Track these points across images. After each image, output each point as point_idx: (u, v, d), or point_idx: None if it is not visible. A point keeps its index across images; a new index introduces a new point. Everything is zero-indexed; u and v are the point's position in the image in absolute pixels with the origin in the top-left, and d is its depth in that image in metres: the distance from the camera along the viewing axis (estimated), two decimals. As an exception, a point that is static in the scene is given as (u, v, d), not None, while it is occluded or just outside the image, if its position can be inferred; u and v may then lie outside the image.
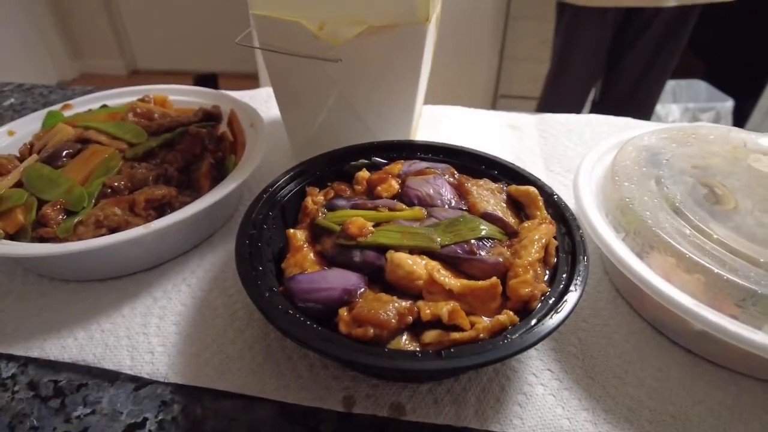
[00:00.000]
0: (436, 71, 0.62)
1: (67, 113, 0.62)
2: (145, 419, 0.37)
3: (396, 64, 0.52)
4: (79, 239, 0.42)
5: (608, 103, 1.54)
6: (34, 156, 0.53)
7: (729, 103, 2.27)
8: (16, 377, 0.40)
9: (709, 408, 0.37)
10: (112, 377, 0.40)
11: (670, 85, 2.41)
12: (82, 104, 0.64)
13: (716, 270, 0.37)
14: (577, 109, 1.56)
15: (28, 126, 0.60)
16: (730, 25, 2.48)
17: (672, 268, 0.39)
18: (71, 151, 0.52)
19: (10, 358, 0.42)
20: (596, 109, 1.60)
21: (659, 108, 2.24)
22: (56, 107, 0.63)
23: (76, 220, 0.44)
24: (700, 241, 0.40)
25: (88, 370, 0.41)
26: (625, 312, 0.45)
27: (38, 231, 0.44)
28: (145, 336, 0.43)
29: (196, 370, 0.40)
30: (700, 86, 2.39)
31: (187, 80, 3.08)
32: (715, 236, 0.39)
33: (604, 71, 1.51)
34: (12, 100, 0.85)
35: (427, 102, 0.79)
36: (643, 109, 1.52)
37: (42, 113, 0.61)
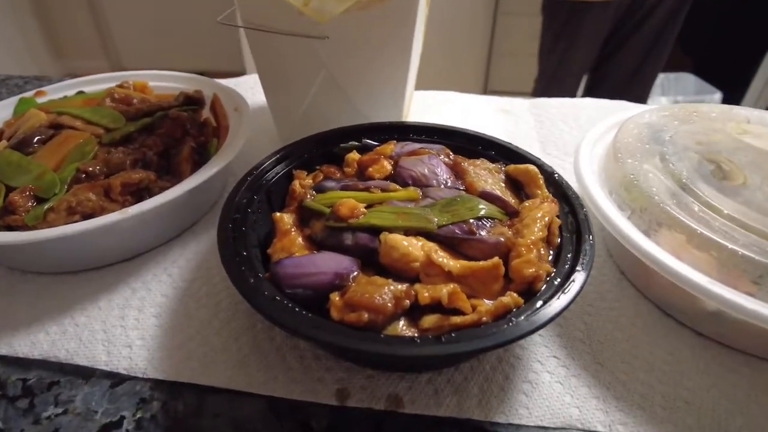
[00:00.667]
0: (426, 67, 0.60)
1: (40, 100, 0.59)
2: (122, 418, 0.34)
3: (386, 41, 0.49)
4: (50, 227, 0.39)
5: (601, 96, 1.53)
6: (3, 143, 0.50)
7: (717, 96, 2.28)
8: (-18, 376, 0.37)
9: (723, 391, 0.35)
10: (86, 374, 0.37)
11: (660, 78, 2.41)
12: (57, 91, 0.61)
13: (730, 246, 0.35)
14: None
15: (-1, 113, 0.56)
16: (717, 18, 2.49)
17: (682, 245, 0.37)
18: (43, 137, 0.49)
19: (-25, 355, 0.39)
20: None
21: (648, 101, 2.25)
22: (28, 94, 0.59)
23: (46, 206, 0.41)
24: (710, 217, 0.37)
25: (60, 367, 0.38)
26: (631, 294, 0.43)
27: (5, 219, 0.41)
28: (123, 329, 0.40)
29: (178, 364, 0.37)
30: (689, 79, 2.40)
31: (167, 71, 3.04)
32: (725, 212, 0.37)
33: (596, 62, 1.50)
34: (-15, 91, 0.81)
35: (417, 91, 0.76)
36: (638, 101, 1.51)
37: (13, 100, 0.58)
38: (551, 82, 1.55)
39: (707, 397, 0.35)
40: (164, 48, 3.57)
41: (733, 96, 2.34)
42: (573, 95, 1.58)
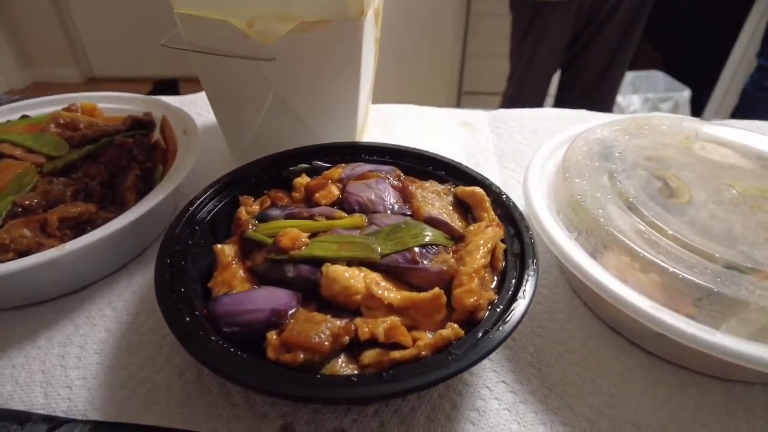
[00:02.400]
0: (399, 70, 0.60)
1: (-17, 125, 0.57)
2: (58, 465, 0.33)
3: (333, 62, 0.49)
4: (-18, 265, 0.38)
5: (572, 94, 1.55)
6: (-62, 174, 0.48)
7: (686, 93, 2.32)
8: None
9: (670, 413, 0.35)
10: (22, 419, 0.36)
11: (630, 76, 2.45)
12: (0, 114, 0.59)
13: (671, 269, 0.35)
14: (539, 103, 1.56)
15: (-64, 141, 0.54)
16: (684, 16, 2.53)
17: (627, 267, 0.37)
18: (-19, 167, 0.48)
19: None
20: (560, 102, 1.61)
21: (620, 99, 2.28)
22: (-30, 119, 0.57)
23: (-22, 244, 0.39)
24: (655, 237, 0.37)
25: (-5, 412, 0.36)
26: (582, 314, 0.42)
27: (-64, 258, 0.39)
28: (63, 369, 0.38)
29: (120, 404, 0.36)
30: (658, 77, 2.44)
31: (146, 86, 2.99)
32: (669, 232, 0.38)
33: (564, 63, 1.51)
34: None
35: (388, 101, 0.76)
36: (607, 99, 1.53)
37: (-48, 126, 0.56)
38: (522, 82, 1.56)
39: (653, 419, 0.35)
40: (136, 54, 3.51)
41: (701, 92, 2.38)
42: (544, 94, 1.59)
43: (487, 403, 0.36)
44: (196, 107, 0.73)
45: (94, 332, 0.41)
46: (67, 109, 0.59)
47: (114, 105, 0.61)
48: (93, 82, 3.59)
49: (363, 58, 0.49)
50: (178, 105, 0.58)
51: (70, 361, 0.39)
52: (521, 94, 1.57)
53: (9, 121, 0.58)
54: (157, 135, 0.56)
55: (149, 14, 3.34)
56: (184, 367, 0.38)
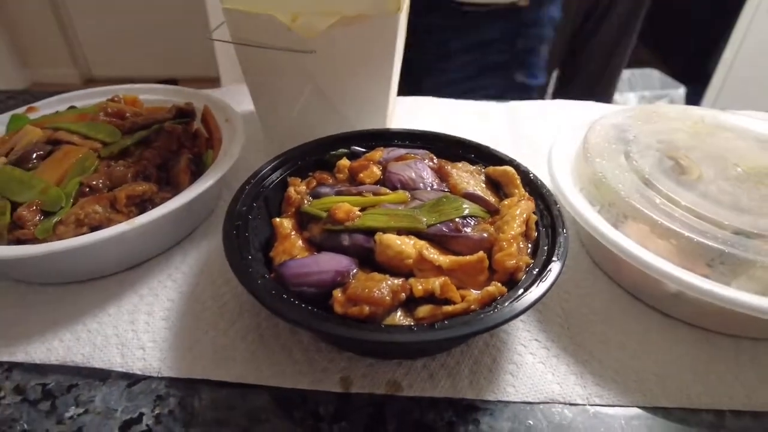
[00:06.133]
0: None
1: (32, 116, 0.60)
2: (141, 414, 0.37)
3: (369, 54, 0.53)
4: (60, 239, 0.41)
5: (570, 92, 1.59)
6: (2, 159, 0.51)
7: (681, 90, 2.37)
8: (1, 383, 0.39)
9: (686, 364, 0.40)
10: (103, 376, 0.40)
11: (626, 74, 2.50)
12: (48, 106, 0.62)
13: (687, 234, 0.39)
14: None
15: (-10, 131, 0.58)
16: (679, 15, 2.59)
17: (646, 235, 0.41)
18: (42, 152, 0.51)
19: (-7, 364, 0.40)
20: (559, 96, 1.66)
21: (617, 96, 2.33)
22: (20, 110, 0.61)
23: (55, 220, 0.43)
24: (669, 208, 0.42)
25: (78, 370, 0.40)
26: (603, 282, 0.47)
27: (15, 233, 0.43)
28: (134, 333, 0.42)
29: (190, 363, 0.40)
30: (654, 75, 2.49)
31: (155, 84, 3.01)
32: (683, 203, 0.42)
33: (562, 60, 1.55)
34: (-32, 107, 0.82)
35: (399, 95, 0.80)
36: (606, 95, 1.57)
37: (5, 117, 0.59)
38: None
39: (672, 369, 0.39)
40: (135, 55, 3.53)
41: (695, 90, 2.43)
42: (544, 90, 1.64)
43: (523, 357, 0.40)
44: (227, 99, 0.76)
45: (158, 301, 0.45)
46: (111, 100, 0.62)
47: (154, 96, 0.65)
48: (91, 83, 3.61)
49: (396, 50, 0.53)
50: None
51: (140, 326, 0.43)
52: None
53: (58, 111, 0.61)
54: (197, 124, 0.60)
55: (147, 15, 3.36)
56: (246, 330, 0.42)
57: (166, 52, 3.47)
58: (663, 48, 2.82)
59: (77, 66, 3.57)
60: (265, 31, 0.50)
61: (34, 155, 0.51)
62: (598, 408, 0.37)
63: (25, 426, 0.36)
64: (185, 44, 3.40)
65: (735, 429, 0.36)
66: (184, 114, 0.59)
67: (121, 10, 3.36)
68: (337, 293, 0.35)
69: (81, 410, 0.37)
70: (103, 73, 3.63)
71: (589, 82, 1.54)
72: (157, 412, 0.37)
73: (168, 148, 0.52)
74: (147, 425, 0.36)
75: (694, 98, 2.45)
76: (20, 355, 0.40)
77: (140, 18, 3.40)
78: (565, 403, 0.37)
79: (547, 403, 0.37)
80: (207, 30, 2.61)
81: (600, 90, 1.55)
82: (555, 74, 1.64)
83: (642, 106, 0.57)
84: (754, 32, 2.19)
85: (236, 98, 0.76)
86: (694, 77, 2.44)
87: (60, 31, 3.41)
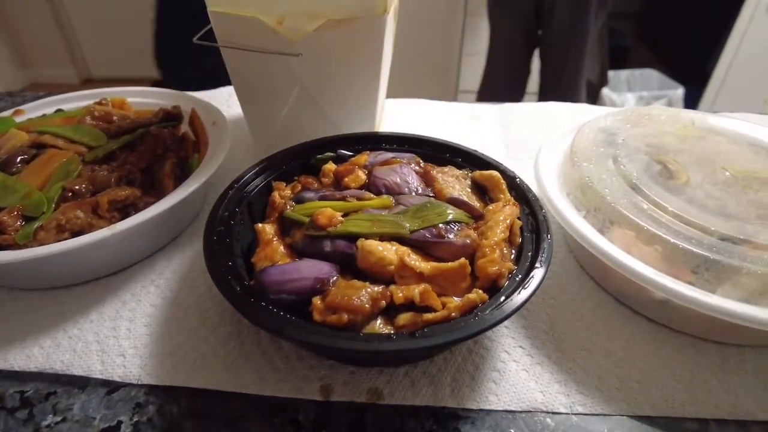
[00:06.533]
0: (398, 69, 0.63)
1: (18, 119, 0.60)
2: (120, 422, 0.37)
3: (357, 56, 0.52)
4: (41, 245, 0.41)
5: (545, 86, 1.60)
6: (-14, 163, 0.51)
7: (680, 91, 2.36)
8: (-21, 390, 0.39)
9: (671, 371, 0.39)
10: (82, 383, 0.39)
11: (625, 74, 2.49)
12: (35, 109, 0.62)
13: (672, 240, 0.38)
14: (516, 81, 1.64)
15: (-24, 134, 0.57)
16: (677, 15, 2.58)
17: (632, 241, 0.40)
18: (26, 156, 0.51)
19: (-30, 371, 0.40)
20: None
21: (615, 97, 2.32)
22: (7, 113, 0.60)
23: (36, 225, 0.43)
24: (656, 214, 0.41)
25: (57, 378, 0.40)
26: (590, 287, 0.46)
27: (-5, 239, 0.42)
28: (116, 339, 0.42)
29: (170, 370, 0.39)
30: (652, 75, 2.48)
31: (144, 87, 3.02)
32: (669, 209, 0.41)
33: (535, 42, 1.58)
34: (-42, 109, 0.81)
35: (389, 98, 0.79)
36: (573, 89, 1.57)
37: (-9, 120, 0.59)
38: (494, 55, 1.64)
39: (657, 377, 0.39)
40: (133, 55, 3.52)
41: (694, 91, 2.43)
42: (520, 71, 1.67)
43: (507, 365, 0.40)
44: (215, 103, 0.76)
45: (141, 307, 0.45)
46: (98, 103, 0.62)
47: (142, 99, 0.64)
48: (90, 83, 3.60)
49: (384, 53, 0.52)
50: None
51: (121, 332, 0.42)
52: (495, 68, 1.64)
53: (45, 114, 0.61)
54: (185, 127, 0.60)
55: (146, 15, 3.36)
56: (227, 337, 0.42)
57: (164, 52, 3.47)
58: (662, 49, 2.82)
59: (76, 66, 3.57)
60: (251, 34, 0.50)
61: (19, 159, 0.50)
62: (581, 417, 0.37)
63: (2, 434, 0.36)
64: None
65: (719, 438, 0.36)
66: (171, 117, 0.59)
67: (120, 10, 3.36)
68: (317, 301, 0.34)
69: (59, 418, 0.37)
70: (102, 74, 3.63)
71: (555, 72, 1.55)
72: (135, 419, 0.37)
73: (153, 152, 0.52)
74: (125, 433, 0.36)
75: (692, 99, 2.44)
76: (-1, 362, 0.40)
77: (139, 18, 3.39)
78: (547, 412, 0.37)
79: (530, 411, 0.37)
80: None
81: (565, 81, 1.55)
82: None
83: (632, 108, 0.57)
84: (752, 33, 2.18)
85: (225, 101, 0.76)
86: (693, 78, 2.44)
87: (59, 32, 3.41)
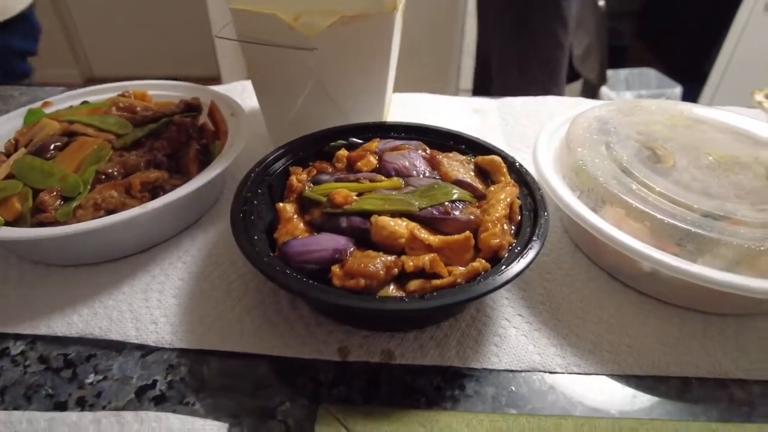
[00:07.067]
0: (399, 68, 0.66)
1: (47, 110, 0.64)
2: (155, 381, 0.40)
3: (367, 51, 0.56)
4: (79, 222, 0.45)
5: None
6: (22, 150, 0.55)
7: (678, 89, 2.40)
8: (26, 353, 0.43)
9: (658, 338, 0.43)
10: (119, 347, 0.43)
11: (623, 73, 2.53)
12: (62, 101, 0.66)
13: (659, 216, 0.42)
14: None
15: (8, 124, 0.61)
16: (675, 14, 2.62)
17: (622, 218, 0.44)
18: (59, 143, 0.54)
19: (17, 337, 0.44)
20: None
21: (614, 96, 2.36)
22: (36, 104, 0.64)
23: (74, 204, 0.46)
24: (644, 194, 0.45)
25: (96, 342, 0.43)
26: (583, 263, 0.50)
27: (37, 217, 0.46)
28: (147, 309, 0.45)
29: (200, 336, 0.43)
30: (651, 74, 2.52)
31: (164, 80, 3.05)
32: (657, 189, 0.45)
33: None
34: (-19, 103, 0.85)
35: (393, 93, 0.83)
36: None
37: (22, 111, 0.63)
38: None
39: (645, 342, 0.43)
40: (136, 55, 3.56)
41: (692, 89, 2.46)
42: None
43: (507, 330, 0.43)
44: (231, 95, 0.80)
45: (169, 281, 0.48)
46: (122, 95, 0.66)
47: (162, 92, 0.68)
48: (93, 83, 3.63)
49: (392, 47, 0.56)
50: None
51: (153, 303, 0.46)
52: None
53: (71, 106, 0.65)
54: (203, 118, 0.63)
55: (149, 14, 3.40)
56: (251, 306, 0.45)
57: (167, 51, 3.51)
58: (660, 48, 2.85)
59: (79, 66, 3.60)
60: (269, 30, 0.54)
61: (52, 146, 0.54)
62: (575, 376, 0.40)
63: (50, 390, 0.40)
64: (187, 44, 3.43)
65: (700, 394, 0.39)
66: (191, 108, 0.62)
67: (123, 9, 3.39)
68: (336, 268, 0.38)
69: (100, 377, 0.41)
70: (105, 73, 3.66)
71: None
72: (169, 379, 0.40)
73: (177, 139, 0.56)
74: (160, 390, 0.40)
75: (690, 97, 2.48)
76: (42, 329, 0.44)
77: (142, 18, 3.43)
78: (545, 371, 0.41)
79: (529, 371, 0.41)
80: (209, 30, 2.65)
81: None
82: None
83: (626, 100, 0.60)
84: (750, 32, 2.21)
85: (239, 94, 0.80)
86: (691, 76, 2.47)
87: (62, 32, 3.44)
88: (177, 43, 3.46)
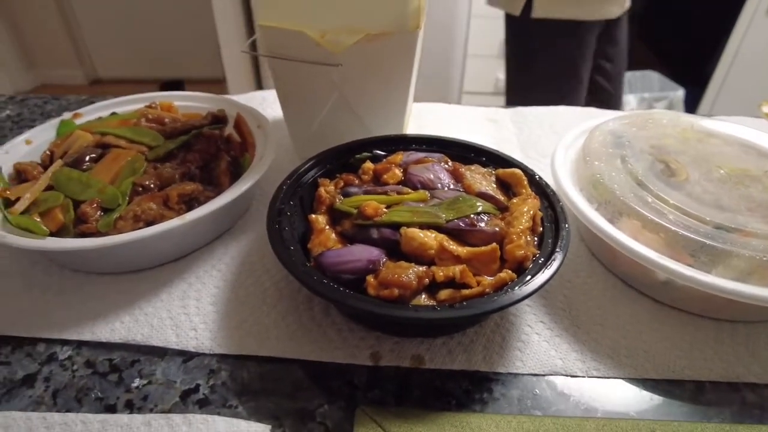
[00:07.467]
0: None
1: (77, 122, 0.66)
2: (198, 385, 0.43)
3: (390, 68, 0.58)
4: (119, 233, 0.47)
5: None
6: (59, 161, 0.57)
7: (680, 92, 2.42)
8: (73, 358, 0.45)
9: (673, 343, 0.45)
10: (161, 353, 0.45)
11: (626, 76, 2.55)
12: (91, 113, 0.68)
13: (673, 228, 0.45)
14: None
15: (43, 135, 0.63)
16: (678, 17, 2.64)
17: (638, 229, 0.46)
18: (94, 155, 0.57)
19: (63, 342, 0.46)
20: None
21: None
22: (67, 116, 0.66)
23: (115, 215, 0.49)
24: (659, 206, 0.47)
25: (138, 348, 0.45)
26: (600, 272, 0.52)
27: (80, 228, 0.48)
28: (186, 316, 0.48)
29: (238, 341, 0.45)
30: (653, 77, 2.54)
31: (152, 87, 3.07)
32: (671, 202, 0.47)
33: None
34: (8, 111, 0.87)
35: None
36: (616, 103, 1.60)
37: (55, 122, 0.65)
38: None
39: (660, 347, 0.45)
40: (140, 56, 3.58)
41: (694, 92, 2.48)
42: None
43: (530, 336, 0.46)
44: (253, 106, 0.82)
45: (206, 288, 0.51)
46: (149, 107, 0.68)
47: (188, 103, 0.70)
48: (97, 84, 3.66)
49: (414, 64, 0.58)
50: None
51: (191, 309, 0.48)
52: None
53: (100, 117, 0.67)
54: (229, 129, 0.66)
55: (153, 16, 3.42)
56: (286, 312, 0.48)
57: (171, 53, 3.53)
58: (662, 50, 2.87)
59: (83, 67, 3.62)
60: (296, 46, 0.56)
61: (87, 158, 0.56)
62: (595, 379, 0.43)
63: (99, 394, 0.42)
64: (191, 45, 3.45)
65: (713, 397, 0.42)
66: (217, 120, 0.64)
67: (127, 11, 3.41)
68: (370, 278, 0.40)
69: (145, 381, 0.43)
70: (109, 75, 3.68)
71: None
72: (211, 383, 0.43)
73: (208, 151, 0.58)
74: (204, 394, 0.42)
75: (692, 100, 2.50)
76: (87, 335, 0.46)
77: (146, 19, 3.45)
78: (567, 375, 0.43)
79: (552, 375, 0.43)
80: (214, 31, 2.67)
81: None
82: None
83: (637, 112, 0.63)
84: (752, 35, 2.24)
85: (259, 104, 0.82)
86: (693, 79, 2.50)
87: (66, 33, 3.46)
88: (182, 44, 3.49)
